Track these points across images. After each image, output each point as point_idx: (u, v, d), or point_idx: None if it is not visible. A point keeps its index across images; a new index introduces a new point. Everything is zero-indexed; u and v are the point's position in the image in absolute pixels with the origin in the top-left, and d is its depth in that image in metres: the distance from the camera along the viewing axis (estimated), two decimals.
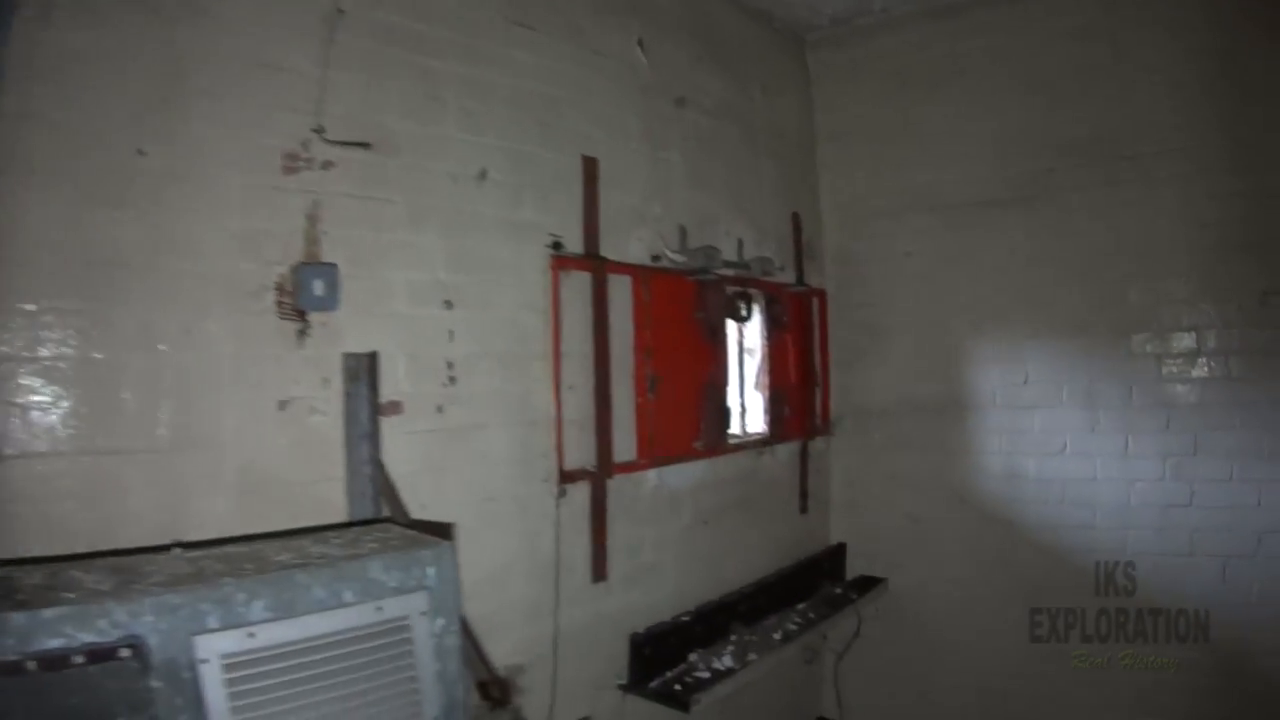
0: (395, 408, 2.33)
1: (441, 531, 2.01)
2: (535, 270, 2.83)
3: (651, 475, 3.24)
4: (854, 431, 4.51)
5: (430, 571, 1.70)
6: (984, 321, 4.04)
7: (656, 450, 3.22)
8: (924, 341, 4.24)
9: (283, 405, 2.09)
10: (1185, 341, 3.50)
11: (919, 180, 4.20)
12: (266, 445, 2.06)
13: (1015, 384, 3.92)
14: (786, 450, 4.19)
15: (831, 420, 4.54)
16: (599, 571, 2.98)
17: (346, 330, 2.21)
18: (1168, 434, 3.51)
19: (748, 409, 4.03)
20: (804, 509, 4.32)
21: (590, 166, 3.06)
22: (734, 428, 3.93)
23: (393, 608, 1.63)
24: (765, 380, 4.03)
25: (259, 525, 1.94)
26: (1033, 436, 3.86)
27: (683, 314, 3.43)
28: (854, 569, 4.45)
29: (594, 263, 3.00)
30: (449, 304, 2.54)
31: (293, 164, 2.12)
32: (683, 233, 3.50)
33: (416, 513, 2.30)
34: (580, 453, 2.92)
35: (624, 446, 3.10)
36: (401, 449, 2.33)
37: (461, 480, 2.56)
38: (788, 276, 4.22)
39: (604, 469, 2.97)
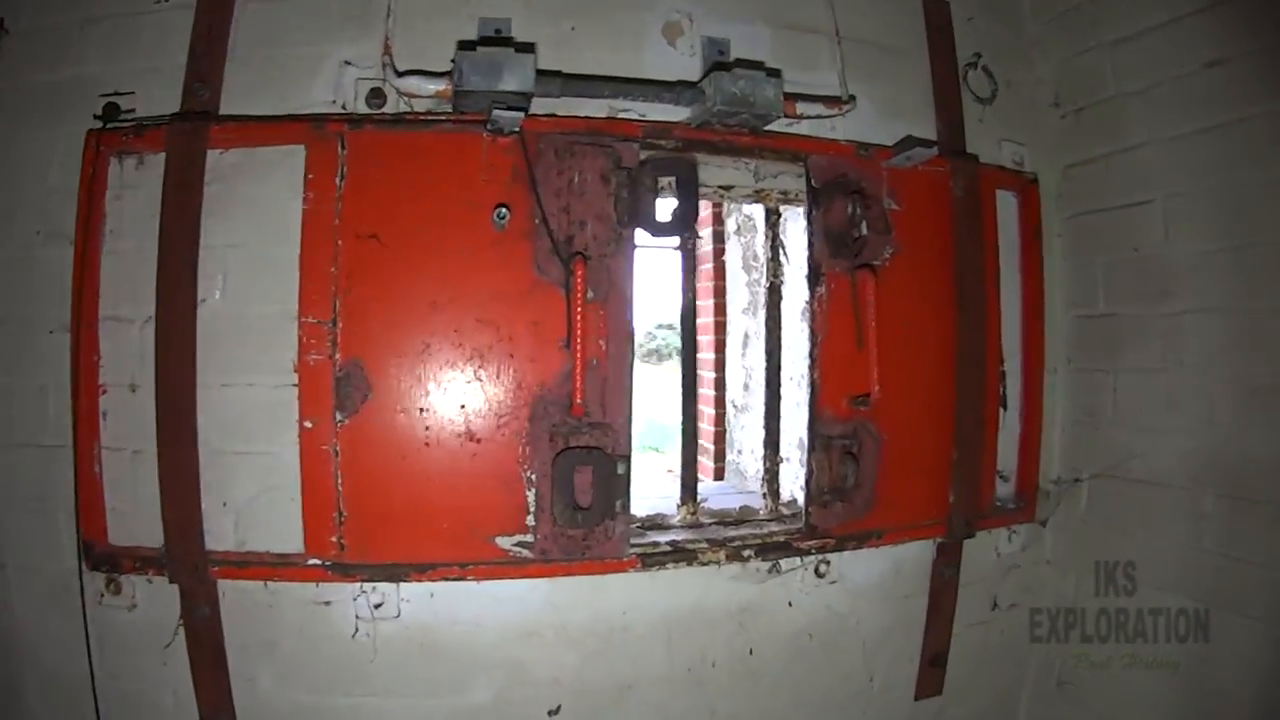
0: None
1: None
2: (61, 166, 1.45)
3: (351, 594, 1.54)
4: (1089, 520, 1.82)
5: None
6: None
7: (369, 541, 1.49)
8: (1262, 310, 1.39)
9: None
10: None
11: None
12: None
13: None
14: (877, 563, 1.81)
15: (1041, 491, 1.87)
16: None
17: None
18: None
19: (784, 464, 1.83)
20: (931, 689, 1.89)
21: None
22: (684, 498, 1.85)
23: None
24: (806, 385, 1.70)
25: None
26: None
27: (461, 217, 1.48)
28: None
29: (176, 131, 1.38)
30: None
31: None
32: (489, 33, 1.49)
33: None
34: (151, 516, 1.48)
35: (272, 520, 1.50)
36: None
37: None
38: (895, 126, 1.70)
39: (182, 555, 1.45)
